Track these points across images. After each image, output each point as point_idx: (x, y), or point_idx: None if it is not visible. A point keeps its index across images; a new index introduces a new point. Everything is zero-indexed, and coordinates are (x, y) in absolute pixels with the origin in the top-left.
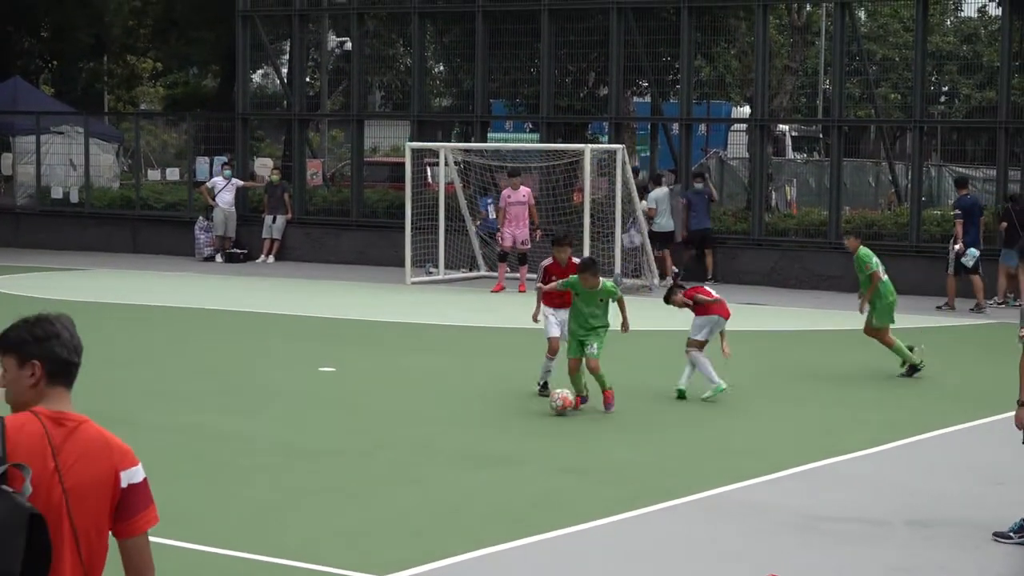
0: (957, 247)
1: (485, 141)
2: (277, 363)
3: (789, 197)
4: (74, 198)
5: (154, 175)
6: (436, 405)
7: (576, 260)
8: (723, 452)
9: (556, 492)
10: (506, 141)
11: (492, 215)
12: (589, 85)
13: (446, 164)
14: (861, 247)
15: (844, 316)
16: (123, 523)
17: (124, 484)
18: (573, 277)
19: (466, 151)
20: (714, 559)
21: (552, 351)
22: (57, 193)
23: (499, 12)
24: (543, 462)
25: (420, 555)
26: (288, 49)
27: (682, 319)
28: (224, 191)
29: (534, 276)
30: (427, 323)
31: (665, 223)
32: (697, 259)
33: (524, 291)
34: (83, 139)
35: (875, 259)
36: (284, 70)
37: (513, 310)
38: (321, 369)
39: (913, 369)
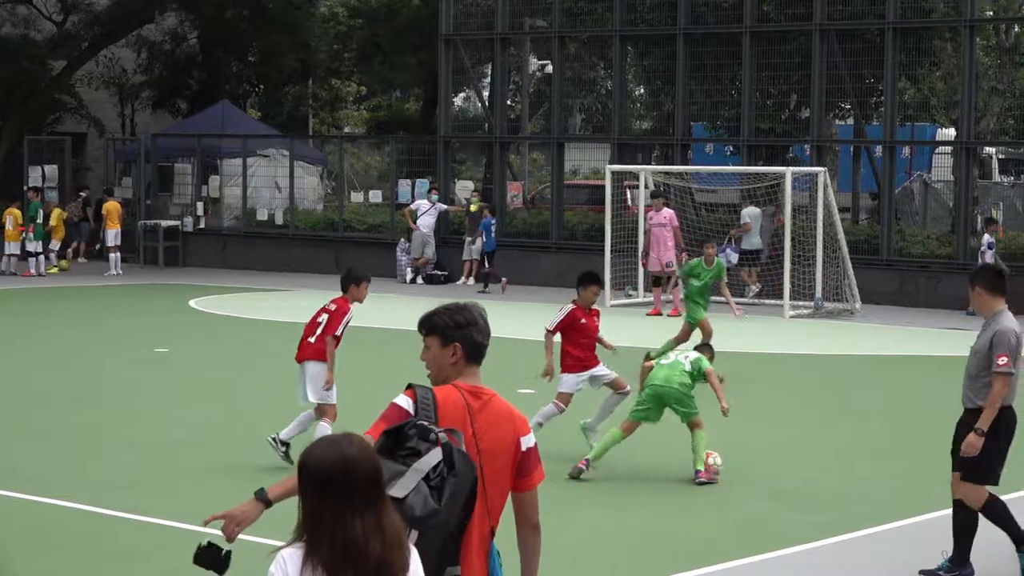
0: None
1: (685, 164)
2: None
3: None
4: (279, 220)
5: (357, 197)
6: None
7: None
8: (929, 479)
9: (758, 517)
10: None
11: (493, 235)
12: (790, 107)
13: (646, 187)
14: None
15: None
16: (521, 479)
17: (524, 448)
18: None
19: (666, 174)
20: None
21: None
22: (262, 215)
23: (700, 35)
24: (747, 486)
25: None
26: (489, 72)
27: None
28: (426, 215)
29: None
30: (625, 346)
31: (756, 241)
32: None
33: (677, 315)
34: (288, 162)
35: None
36: (485, 93)
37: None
38: (520, 391)
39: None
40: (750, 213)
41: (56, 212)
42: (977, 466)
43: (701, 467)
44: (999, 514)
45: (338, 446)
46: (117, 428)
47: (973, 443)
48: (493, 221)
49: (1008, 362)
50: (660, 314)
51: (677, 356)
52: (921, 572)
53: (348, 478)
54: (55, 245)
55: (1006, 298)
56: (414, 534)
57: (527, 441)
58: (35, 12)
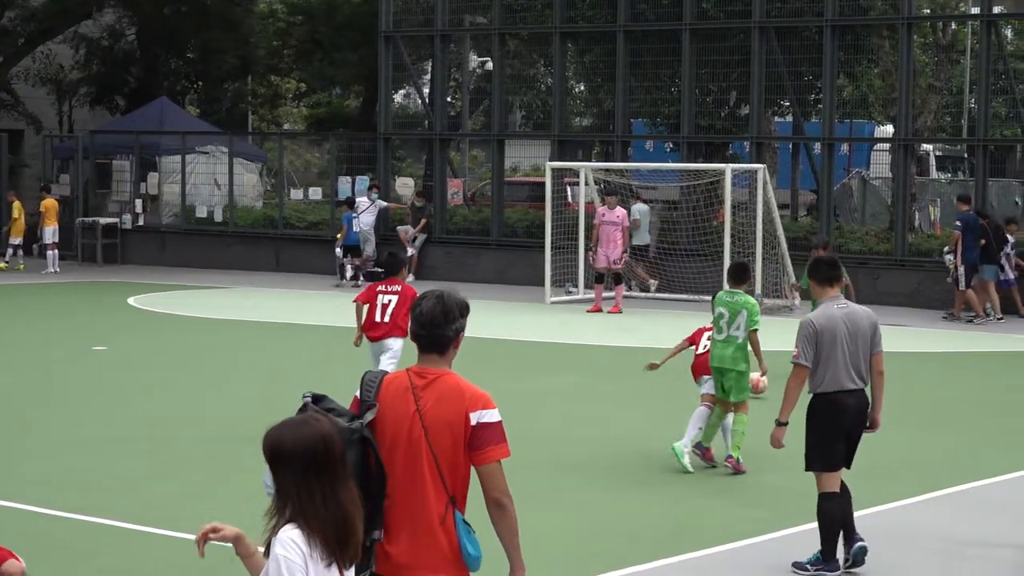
0: (948, 256)
1: (626, 160)
2: None
3: (933, 217)
4: (218, 217)
5: (297, 195)
6: (577, 425)
7: None
8: (866, 475)
9: (700, 514)
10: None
11: (355, 229)
12: (730, 104)
13: (586, 184)
14: None
15: (989, 338)
16: (475, 452)
17: (474, 422)
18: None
19: (606, 170)
20: None
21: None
22: (201, 212)
23: (640, 32)
24: (690, 483)
25: (566, 575)
26: (430, 69)
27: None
28: (366, 212)
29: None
30: (567, 342)
31: (644, 236)
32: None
33: (617, 312)
34: (227, 159)
35: None
36: (426, 90)
37: (651, 330)
38: None
39: None
40: (639, 210)
41: (16, 204)
42: (806, 455)
43: (736, 454)
44: (831, 517)
45: (312, 426)
46: (58, 427)
47: (774, 435)
48: (353, 216)
49: (798, 353)
50: (600, 311)
51: (731, 330)
52: (793, 564)
53: (329, 454)
54: (15, 240)
55: (838, 286)
56: None
57: (479, 416)
58: None
